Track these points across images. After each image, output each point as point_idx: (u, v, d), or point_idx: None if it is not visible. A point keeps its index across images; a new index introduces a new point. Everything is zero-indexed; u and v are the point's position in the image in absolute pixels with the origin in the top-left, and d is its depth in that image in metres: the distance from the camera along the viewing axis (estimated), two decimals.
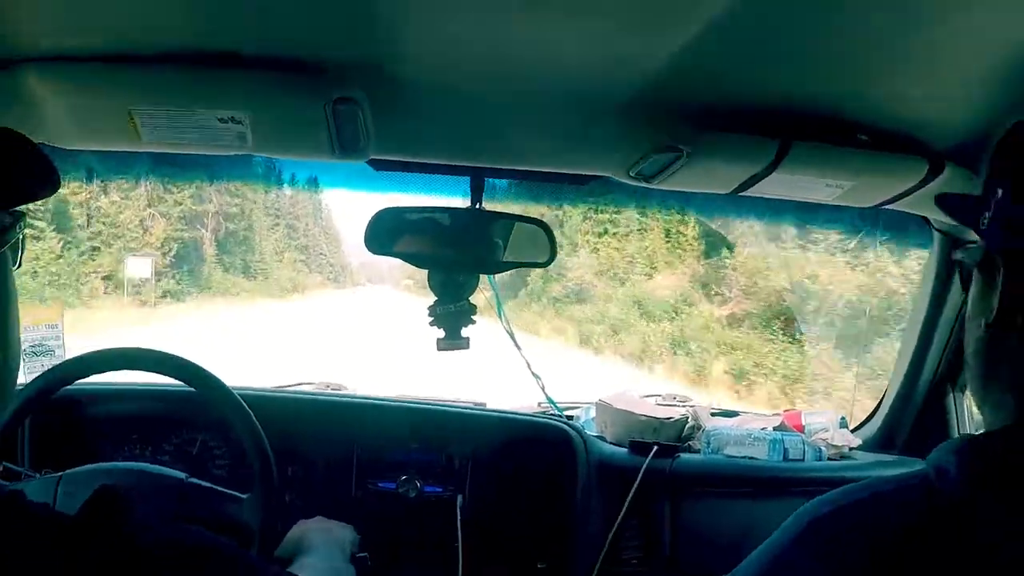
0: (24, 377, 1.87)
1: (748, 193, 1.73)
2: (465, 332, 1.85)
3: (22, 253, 0.95)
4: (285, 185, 2.53)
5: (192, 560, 0.82)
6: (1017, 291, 0.84)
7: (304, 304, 34.77)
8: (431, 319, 1.84)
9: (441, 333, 1.85)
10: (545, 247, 1.83)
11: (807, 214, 2.25)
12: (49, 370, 1.79)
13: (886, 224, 2.23)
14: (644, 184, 1.75)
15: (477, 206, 1.85)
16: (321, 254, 47.31)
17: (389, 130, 1.60)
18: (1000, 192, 0.87)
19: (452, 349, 1.85)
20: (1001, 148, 0.91)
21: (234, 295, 31.72)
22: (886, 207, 1.83)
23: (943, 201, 1.07)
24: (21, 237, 0.93)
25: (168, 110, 1.37)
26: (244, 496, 1.78)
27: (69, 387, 1.80)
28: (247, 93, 1.35)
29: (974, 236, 1.99)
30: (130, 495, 0.83)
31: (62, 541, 0.75)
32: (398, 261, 1.81)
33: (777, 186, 1.67)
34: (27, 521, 0.76)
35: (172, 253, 28.64)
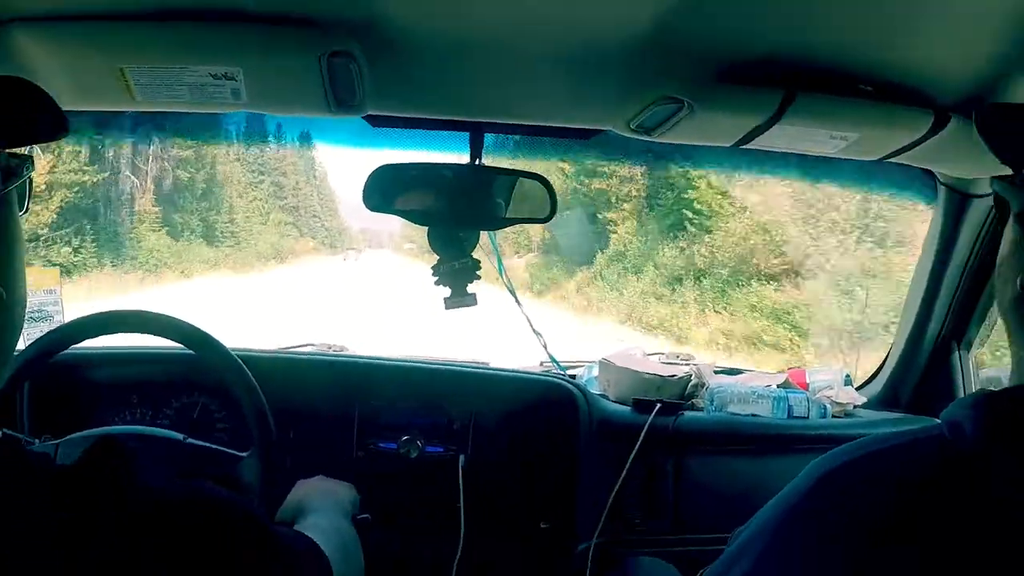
0: (23, 342, 1.86)
1: (751, 146, 1.72)
2: (471, 288, 1.84)
3: (29, 198, 0.96)
4: (285, 142, 2.49)
5: (197, 511, 0.82)
6: None
7: (288, 272, 29.96)
8: (436, 278, 1.83)
9: (447, 291, 1.84)
10: (545, 203, 1.82)
11: (810, 168, 2.23)
12: (48, 333, 1.79)
13: (891, 178, 2.21)
14: (645, 137, 1.73)
15: (477, 162, 1.84)
16: (314, 216, 43.86)
17: (386, 85, 1.59)
18: None
19: (460, 306, 1.84)
20: None
21: (176, 266, 23.95)
22: (891, 160, 1.81)
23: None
24: (28, 181, 0.93)
25: (160, 67, 1.35)
26: (243, 454, 1.78)
27: (68, 351, 1.80)
28: (240, 48, 1.33)
29: (983, 189, 1.96)
30: (130, 447, 0.83)
31: (62, 488, 0.75)
32: (397, 226, 1.80)
33: (781, 138, 1.66)
34: (27, 469, 0.76)
35: (59, 205, 20.20)
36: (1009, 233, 0.94)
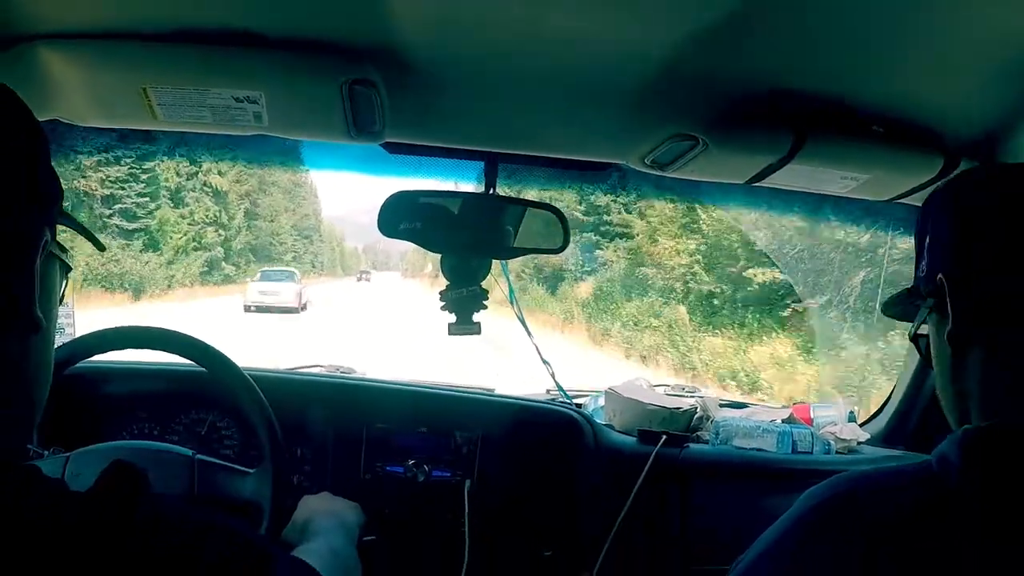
0: None
1: (763, 184, 1.73)
2: (476, 317, 1.85)
3: (66, 287, 0.95)
4: (301, 166, 2.46)
5: (204, 537, 0.82)
6: (965, 307, 0.92)
7: None
8: (443, 304, 1.84)
9: (453, 318, 1.85)
10: (558, 233, 1.83)
11: (819, 205, 2.24)
12: (62, 346, 1.79)
13: (899, 218, 2.22)
14: (659, 172, 1.74)
15: (491, 191, 1.86)
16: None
17: (404, 113, 1.60)
18: (928, 239, 0.99)
19: (463, 334, 1.85)
20: (923, 212, 1.03)
21: None
22: (900, 201, 1.83)
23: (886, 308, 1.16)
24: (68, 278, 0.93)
25: (183, 88, 1.36)
26: (252, 471, 1.78)
27: (79, 365, 1.81)
28: (263, 72, 1.35)
29: None
30: (141, 466, 0.84)
31: (78, 514, 0.75)
32: (408, 247, 1.81)
33: (792, 177, 1.67)
34: (44, 495, 0.77)
35: None
36: (931, 324, 1.03)
